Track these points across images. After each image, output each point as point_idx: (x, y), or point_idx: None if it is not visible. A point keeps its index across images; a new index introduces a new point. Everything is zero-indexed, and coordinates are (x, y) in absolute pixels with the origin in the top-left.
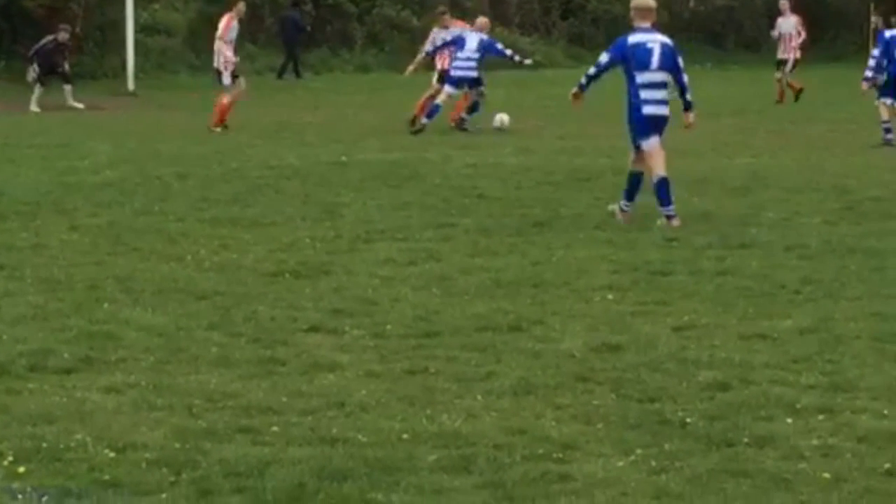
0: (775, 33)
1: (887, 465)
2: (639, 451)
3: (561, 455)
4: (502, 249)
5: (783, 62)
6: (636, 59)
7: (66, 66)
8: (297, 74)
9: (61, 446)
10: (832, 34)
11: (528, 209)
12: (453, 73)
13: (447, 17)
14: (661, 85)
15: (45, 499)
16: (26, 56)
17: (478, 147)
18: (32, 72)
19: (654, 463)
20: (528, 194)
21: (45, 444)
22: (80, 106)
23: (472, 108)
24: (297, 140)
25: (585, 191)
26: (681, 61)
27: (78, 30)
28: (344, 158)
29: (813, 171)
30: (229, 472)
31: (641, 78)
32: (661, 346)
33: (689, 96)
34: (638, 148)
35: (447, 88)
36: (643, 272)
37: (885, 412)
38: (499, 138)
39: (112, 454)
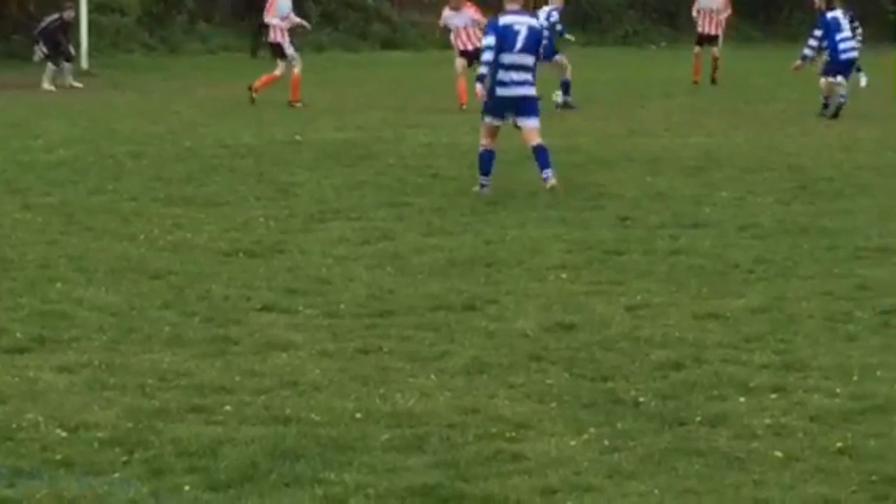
0: (696, 9)
1: (839, 444)
2: (592, 430)
3: (514, 434)
4: (456, 229)
5: (709, 38)
6: (504, 40)
7: (68, 45)
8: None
9: (13, 426)
10: (786, 14)
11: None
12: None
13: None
14: (522, 67)
15: None
16: (32, 36)
17: (432, 126)
18: (39, 52)
19: (606, 442)
20: None
21: None
22: (80, 85)
23: (566, 87)
24: (252, 119)
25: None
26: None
27: (31, 8)
28: (298, 137)
29: (766, 150)
30: (182, 452)
31: (505, 59)
32: (615, 326)
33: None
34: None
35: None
36: (597, 251)
37: (837, 391)
38: (453, 118)
39: (64, 434)
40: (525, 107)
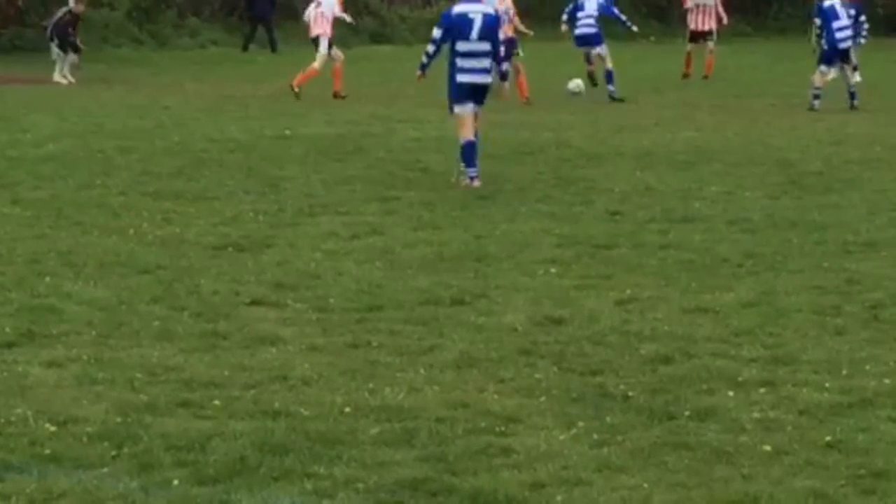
0: (690, 3)
1: (828, 438)
2: (581, 424)
3: (503, 428)
4: (445, 223)
5: (703, 34)
6: (458, 28)
7: (76, 37)
8: (273, 48)
9: (2, 420)
10: (776, 9)
11: None
12: (578, 31)
13: None
14: (480, 54)
15: None
16: (47, 35)
17: (421, 121)
18: (55, 49)
19: (596, 436)
20: None
21: None
22: (72, 80)
23: (610, 76)
24: (241, 113)
25: (528, 165)
26: (501, 34)
27: (20, 3)
28: (287, 132)
29: (756, 145)
30: (171, 446)
31: (461, 47)
32: (604, 320)
33: (505, 67)
34: (452, 111)
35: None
36: (586, 246)
37: (826, 385)
38: (442, 112)
39: (53, 428)
40: (478, 94)
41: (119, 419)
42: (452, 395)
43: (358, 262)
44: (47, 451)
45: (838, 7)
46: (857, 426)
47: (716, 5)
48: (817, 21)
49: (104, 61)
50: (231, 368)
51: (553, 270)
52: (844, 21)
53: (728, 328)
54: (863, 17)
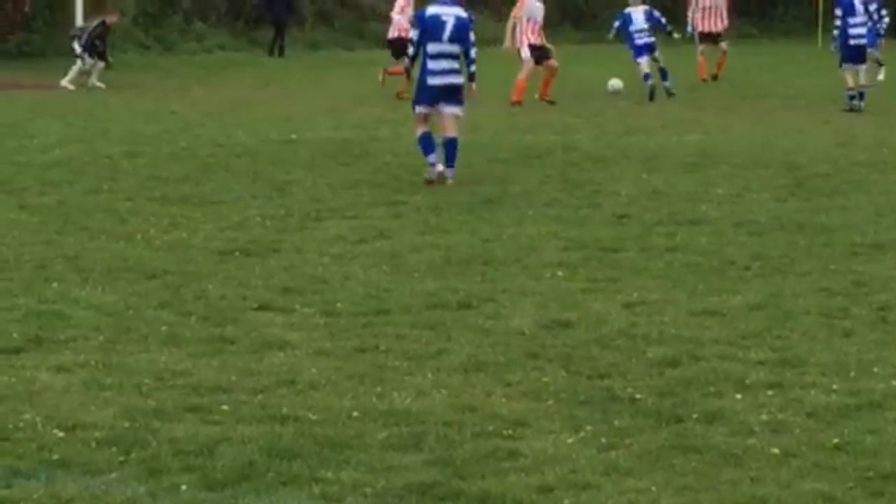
0: (701, 5)
1: (836, 441)
2: (588, 427)
3: (511, 432)
4: (452, 227)
5: (712, 35)
6: (430, 30)
7: (106, 48)
8: (281, 52)
9: (10, 426)
10: (782, 10)
11: (478, 186)
12: (637, 42)
13: None
14: (450, 56)
15: None
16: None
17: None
18: (83, 57)
19: (603, 439)
20: (478, 172)
21: None
22: (72, 87)
23: (664, 73)
24: (248, 118)
25: (535, 168)
26: (472, 36)
27: (27, 8)
28: (294, 136)
29: (762, 147)
30: (179, 451)
31: (432, 48)
32: (611, 323)
33: (473, 68)
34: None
35: (638, 59)
36: (593, 249)
37: (834, 387)
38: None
39: (61, 434)
40: (451, 95)
41: (127, 424)
42: (460, 399)
43: (365, 266)
44: (55, 457)
45: (857, 2)
46: (866, 428)
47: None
48: (838, 12)
49: (110, 66)
50: (239, 373)
51: (560, 274)
52: (860, 18)
53: (735, 331)
54: (884, 12)
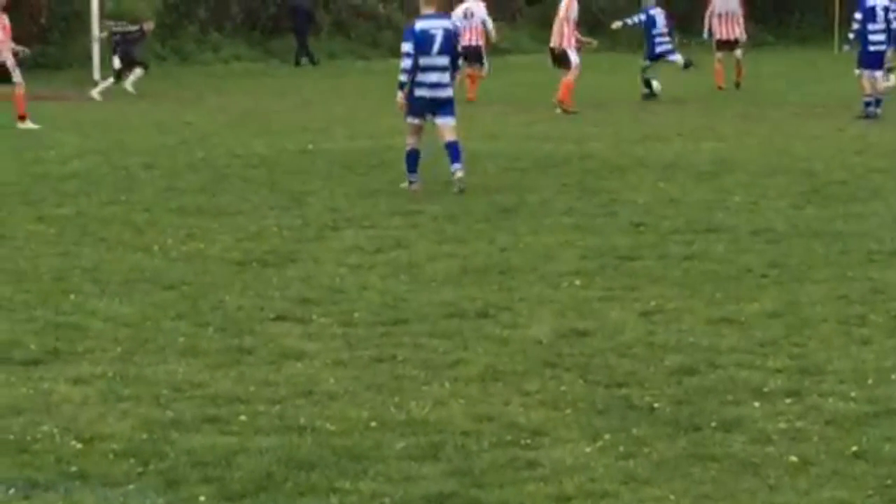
0: (717, 12)
1: (854, 448)
2: (607, 436)
3: (529, 441)
4: (469, 236)
5: (729, 42)
6: (421, 44)
7: (139, 54)
8: (309, 60)
9: (28, 438)
10: (798, 17)
11: (495, 195)
12: (657, 50)
13: None
14: (439, 69)
15: (11, 491)
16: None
17: None
18: (116, 61)
19: (621, 448)
20: (495, 180)
21: (11, 437)
22: (134, 92)
23: (687, 63)
24: (264, 128)
25: (552, 177)
26: (460, 47)
27: (42, 20)
28: (310, 146)
29: (779, 154)
30: (196, 462)
31: (422, 61)
32: (629, 332)
33: (458, 75)
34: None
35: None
36: (610, 257)
37: (852, 395)
38: (463, 124)
39: (79, 445)
40: (442, 107)
41: (145, 435)
42: (478, 409)
43: (382, 275)
44: (73, 469)
45: (879, 9)
46: (884, 436)
47: (740, 11)
48: (857, 16)
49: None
50: (256, 384)
51: (577, 282)
52: (881, 24)
53: (753, 339)
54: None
